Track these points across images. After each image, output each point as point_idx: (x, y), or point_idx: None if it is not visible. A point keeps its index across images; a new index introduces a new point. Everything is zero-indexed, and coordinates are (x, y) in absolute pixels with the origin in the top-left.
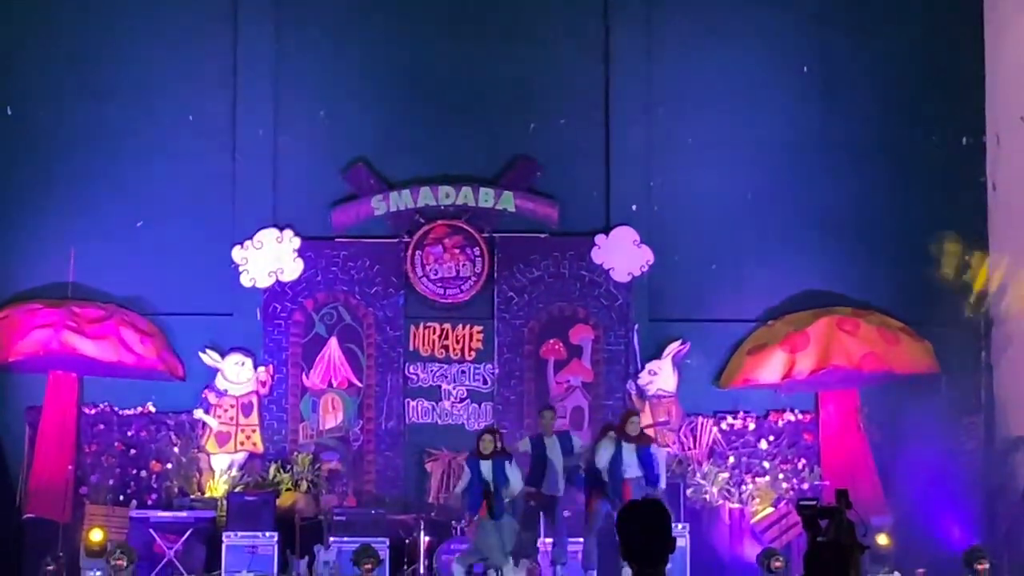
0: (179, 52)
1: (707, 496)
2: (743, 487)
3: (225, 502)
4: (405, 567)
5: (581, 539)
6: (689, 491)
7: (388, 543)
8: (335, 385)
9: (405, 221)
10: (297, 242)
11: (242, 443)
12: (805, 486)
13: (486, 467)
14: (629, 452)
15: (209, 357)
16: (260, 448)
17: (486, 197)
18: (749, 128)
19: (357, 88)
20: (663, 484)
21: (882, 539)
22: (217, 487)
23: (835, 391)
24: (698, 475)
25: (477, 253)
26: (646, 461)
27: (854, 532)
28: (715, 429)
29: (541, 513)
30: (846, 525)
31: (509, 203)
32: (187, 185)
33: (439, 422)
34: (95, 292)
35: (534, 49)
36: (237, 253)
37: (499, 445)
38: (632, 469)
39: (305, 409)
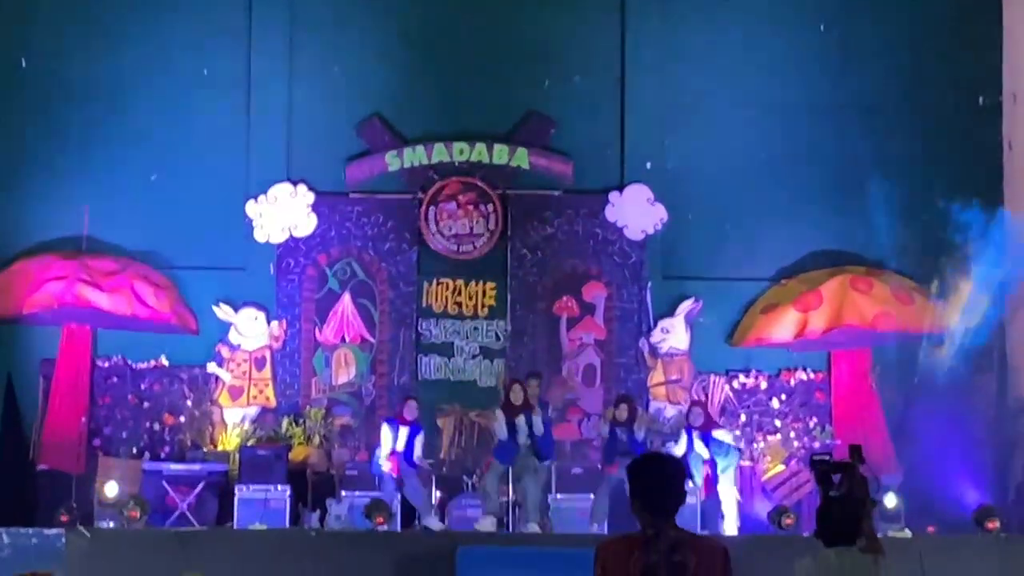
0: (194, 6)
1: None
2: (754, 445)
3: (237, 455)
4: (417, 522)
5: (590, 495)
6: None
7: (399, 498)
8: (348, 340)
9: (419, 177)
10: (311, 197)
11: (255, 397)
12: (816, 444)
13: (403, 432)
14: (698, 442)
15: (222, 311)
16: (273, 402)
17: (500, 154)
18: (765, 86)
19: (372, 43)
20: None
21: (889, 500)
22: (230, 440)
23: (848, 350)
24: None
25: (491, 210)
26: (708, 444)
27: (867, 487)
28: (727, 387)
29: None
30: (859, 480)
31: (523, 160)
32: (201, 139)
33: (451, 378)
34: (109, 245)
35: (550, 5)
36: (251, 207)
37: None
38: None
39: (318, 364)
